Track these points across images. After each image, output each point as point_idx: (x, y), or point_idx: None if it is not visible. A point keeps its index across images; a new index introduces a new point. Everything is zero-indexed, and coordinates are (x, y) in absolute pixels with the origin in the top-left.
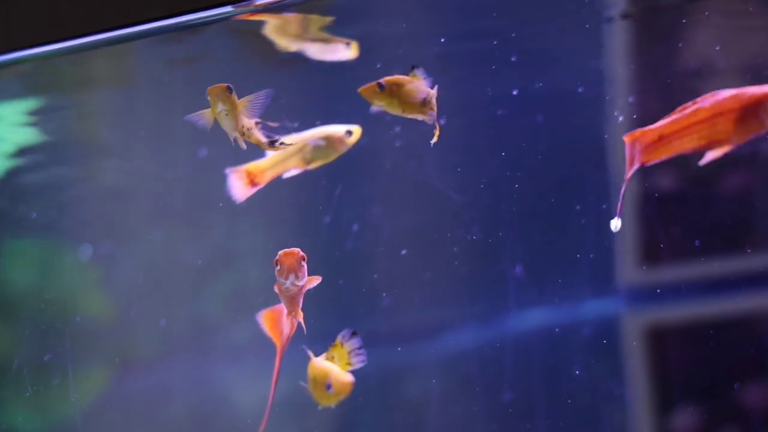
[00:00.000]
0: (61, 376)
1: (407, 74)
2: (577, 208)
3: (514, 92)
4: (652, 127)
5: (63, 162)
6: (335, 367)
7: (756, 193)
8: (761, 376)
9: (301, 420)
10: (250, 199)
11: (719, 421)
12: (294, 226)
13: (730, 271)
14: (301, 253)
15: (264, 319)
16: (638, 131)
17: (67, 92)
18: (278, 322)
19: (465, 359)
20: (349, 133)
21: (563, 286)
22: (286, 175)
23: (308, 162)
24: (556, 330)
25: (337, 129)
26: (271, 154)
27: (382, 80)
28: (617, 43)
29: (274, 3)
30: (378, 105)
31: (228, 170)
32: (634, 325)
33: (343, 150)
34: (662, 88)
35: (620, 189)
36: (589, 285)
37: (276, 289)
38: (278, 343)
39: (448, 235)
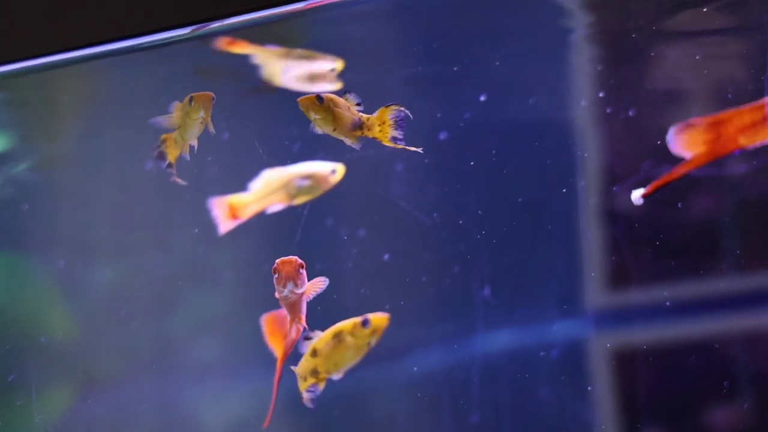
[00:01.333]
0: (24, 397)
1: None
2: (545, 230)
3: (483, 115)
4: (706, 118)
5: (26, 182)
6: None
7: (723, 216)
8: (727, 399)
9: None
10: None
11: None
12: (262, 246)
13: (696, 294)
14: (299, 260)
15: (266, 322)
16: (691, 121)
17: (33, 111)
18: (280, 327)
19: (432, 381)
20: (334, 171)
21: (530, 309)
22: (270, 209)
23: (292, 198)
24: (523, 352)
25: (322, 167)
26: (255, 187)
27: (322, 94)
28: (584, 67)
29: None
30: (313, 118)
31: (211, 200)
32: (600, 348)
33: (327, 188)
34: (630, 111)
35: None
36: (556, 307)
37: (277, 296)
38: (279, 348)
39: (417, 255)
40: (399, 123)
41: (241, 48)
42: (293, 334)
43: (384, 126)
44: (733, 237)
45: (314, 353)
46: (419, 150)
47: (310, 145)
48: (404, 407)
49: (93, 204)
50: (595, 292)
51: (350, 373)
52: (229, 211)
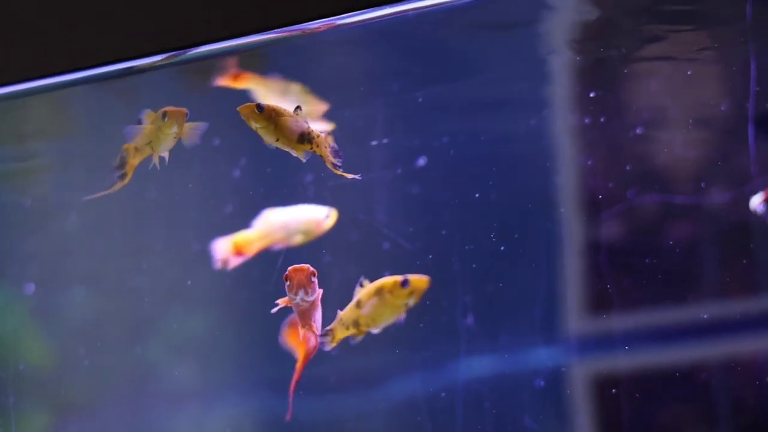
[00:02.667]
0: (3, 424)
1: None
2: (526, 257)
3: (464, 141)
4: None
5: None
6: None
7: (702, 244)
8: (707, 425)
9: None
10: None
11: None
12: (242, 273)
13: (676, 321)
14: (311, 268)
15: (287, 327)
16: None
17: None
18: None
19: (411, 408)
20: (327, 216)
21: (509, 336)
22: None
23: (290, 238)
24: (502, 379)
25: (317, 212)
26: (257, 227)
27: (263, 103)
28: (565, 93)
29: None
30: (254, 127)
31: (216, 241)
32: (580, 375)
33: (320, 232)
34: (611, 136)
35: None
36: (535, 334)
37: (289, 303)
38: (299, 352)
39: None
40: (337, 152)
41: (245, 82)
42: (312, 342)
43: (329, 149)
44: (712, 264)
45: (358, 304)
46: (357, 177)
47: (294, 167)
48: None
49: (68, 229)
50: (575, 319)
51: (332, 399)
52: (233, 249)
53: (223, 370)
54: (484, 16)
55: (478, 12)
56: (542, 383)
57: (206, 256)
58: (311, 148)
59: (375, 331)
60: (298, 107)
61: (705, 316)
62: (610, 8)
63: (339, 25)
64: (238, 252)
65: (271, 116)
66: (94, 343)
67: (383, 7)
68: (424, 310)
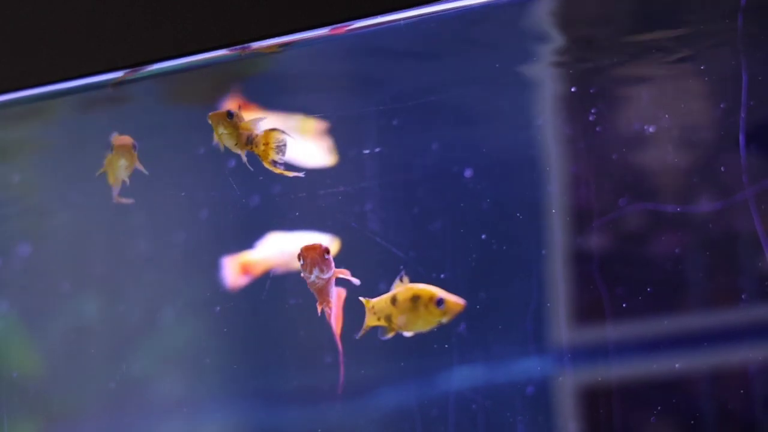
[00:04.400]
0: None
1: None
2: (515, 266)
3: (454, 151)
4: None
5: None
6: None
7: (690, 253)
8: None
9: None
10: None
11: None
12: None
13: (664, 332)
14: (324, 246)
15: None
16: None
17: None
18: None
19: (400, 416)
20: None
21: (499, 345)
22: (276, 270)
23: (292, 263)
24: (490, 389)
25: (320, 239)
26: (262, 249)
27: (233, 111)
28: (555, 104)
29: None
30: (221, 133)
31: (224, 259)
32: (569, 385)
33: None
34: (602, 145)
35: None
36: (525, 343)
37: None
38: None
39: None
40: (281, 148)
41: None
42: (337, 305)
43: (267, 147)
44: (703, 274)
45: (394, 301)
46: (300, 175)
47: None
48: None
49: (59, 239)
50: (562, 329)
51: (323, 407)
52: (240, 268)
53: (213, 380)
54: (473, 26)
55: (467, 22)
56: (531, 392)
57: (196, 265)
58: (251, 148)
59: (407, 334)
60: (239, 107)
61: (693, 326)
62: (600, 18)
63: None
64: (245, 271)
65: (237, 123)
66: (81, 353)
67: (374, 17)
68: None
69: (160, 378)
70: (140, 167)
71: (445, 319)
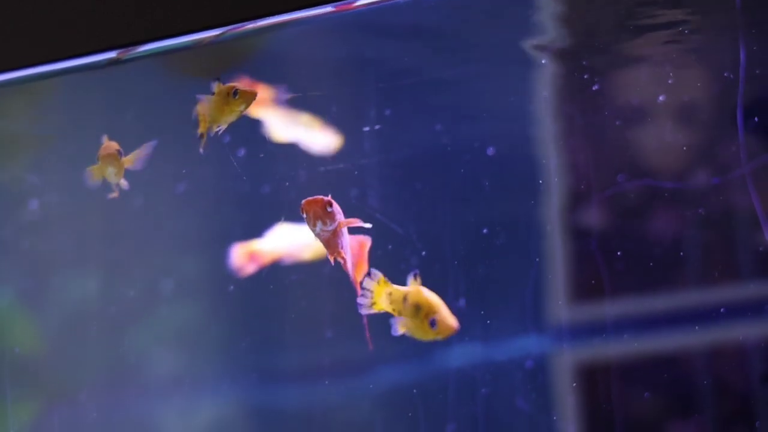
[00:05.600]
0: None
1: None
2: (513, 243)
3: (451, 129)
4: None
5: None
6: (443, 304)
7: (687, 230)
8: (693, 412)
9: None
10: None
11: None
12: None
13: (662, 309)
14: (326, 199)
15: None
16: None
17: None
18: (358, 254)
19: (399, 393)
20: None
21: (496, 322)
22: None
23: (301, 253)
24: (489, 366)
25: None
26: (271, 239)
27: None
28: (551, 81)
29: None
30: (229, 114)
31: (233, 247)
32: (566, 362)
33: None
34: (599, 122)
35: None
36: (521, 321)
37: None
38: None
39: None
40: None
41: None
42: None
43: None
44: (698, 251)
45: (405, 299)
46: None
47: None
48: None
49: (59, 217)
50: (561, 307)
51: (325, 384)
52: (249, 257)
53: (213, 359)
54: (473, 3)
55: (465, 2)
56: (529, 369)
57: (194, 243)
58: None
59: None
60: (218, 79)
61: (691, 303)
62: None
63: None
64: (253, 260)
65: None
66: (82, 331)
67: None
68: None
69: (160, 356)
70: (131, 165)
71: (438, 337)
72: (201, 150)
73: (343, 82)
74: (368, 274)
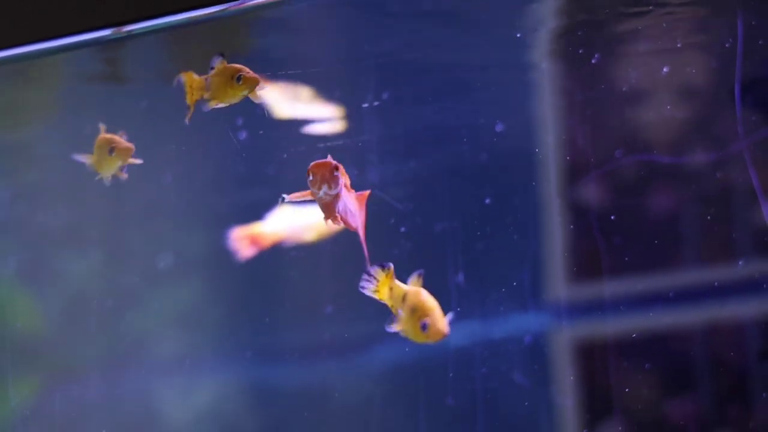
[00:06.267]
0: None
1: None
2: (510, 222)
3: (451, 107)
4: None
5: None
6: (438, 308)
7: (685, 208)
8: (690, 389)
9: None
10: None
11: None
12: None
13: (659, 286)
14: (333, 163)
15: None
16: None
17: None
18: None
19: (398, 370)
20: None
21: (493, 300)
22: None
23: (302, 236)
24: (486, 343)
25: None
26: (271, 221)
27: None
28: (547, 59)
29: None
30: (231, 96)
31: (233, 232)
32: (563, 340)
33: (331, 231)
34: (598, 98)
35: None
36: (519, 299)
37: (305, 197)
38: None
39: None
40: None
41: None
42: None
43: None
44: (696, 229)
45: (404, 298)
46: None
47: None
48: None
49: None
50: (558, 285)
51: (324, 361)
52: (250, 240)
53: (214, 338)
54: None
55: None
56: (527, 346)
57: (197, 223)
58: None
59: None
60: (222, 54)
61: (688, 280)
62: None
63: None
64: (254, 243)
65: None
66: (83, 309)
67: None
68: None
69: (161, 335)
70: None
71: (429, 341)
72: (186, 121)
73: (341, 59)
74: (382, 265)
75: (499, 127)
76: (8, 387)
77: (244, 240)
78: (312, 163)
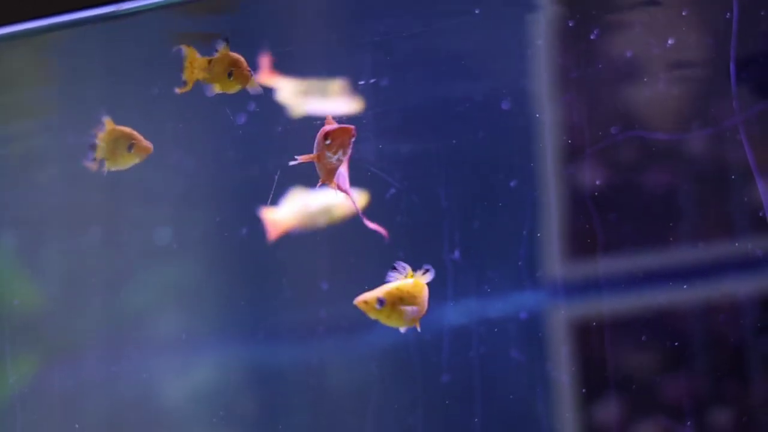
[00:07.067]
0: None
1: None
2: (508, 199)
3: (447, 84)
4: None
5: None
6: (420, 296)
7: (680, 187)
8: (687, 366)
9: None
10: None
11: (640, 410)
12: (232, 215)
13: (656, 264)
14: (354, 130)
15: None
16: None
17: None
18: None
19: (395, 347)
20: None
21: (492, 276)
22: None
23: (314, 221)
24: (484, 321)
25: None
26: (285, 207)
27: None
28: (543, 36)
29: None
30: (223, 87)
31: (260, 213)
32: (560, 318)
33: (343, 216)
34: (594, 75)
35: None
36: (517, 277)
37: (312, 159)
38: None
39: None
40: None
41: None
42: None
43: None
44: (691, 206)
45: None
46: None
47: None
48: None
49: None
50: (556, 263)
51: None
52: (275, 224)
53: (211, 316)
54: None
55: None
56: (523, 323)
57: (196, 199)
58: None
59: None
60: (227, 39)
61: (684, 258)
62: None
63: None
64: (280, 227)
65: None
66: (81, 286)
67: None
68: (411, 249)
69: (159, 312)
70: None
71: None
72: (177, 90)
73: (336, 36)
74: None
75: (496, 105)
76: (6, 364)
77: (271, 222)
78: (331, 128)
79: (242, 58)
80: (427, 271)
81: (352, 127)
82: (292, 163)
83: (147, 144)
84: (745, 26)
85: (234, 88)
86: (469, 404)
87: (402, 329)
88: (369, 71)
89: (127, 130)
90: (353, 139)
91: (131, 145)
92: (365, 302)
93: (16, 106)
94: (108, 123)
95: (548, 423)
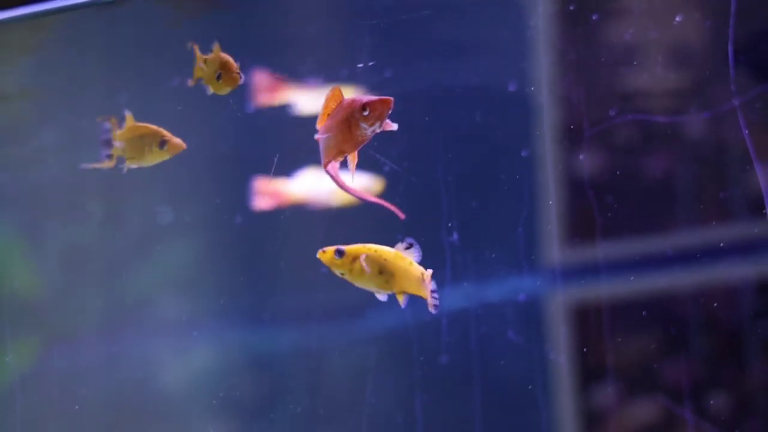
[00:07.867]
0: None
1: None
2: (507, 184)
3: (447, 69)
4: None
5: None
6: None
7: (679, 174)
8: (684, 349)
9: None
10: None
11: (638, 393)
12: (230, 200)
13: (654, 249)
14: (392, 102)
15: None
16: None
17: None
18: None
19: (393, 331)
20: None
21: (489, 260)
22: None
23: (322, 201)
24: (481, 305)
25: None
26: (299, 180)
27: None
28: (543, 19)
29: None
30: (216, 88)
31: (255, 181)
32: (559, 302)
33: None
34: (593, 60)
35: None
36: (515, 262)
37: (325, 131)
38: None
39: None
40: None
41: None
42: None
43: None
44: (691, 191)
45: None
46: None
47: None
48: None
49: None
50: (554, 248)
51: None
52: (269, 194)
53: (210, 300)
54: None
55: None
56: (521, 305)
57: (193, 186)
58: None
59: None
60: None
61: (682, 242)
62: None
63: None
64: (274, 197)
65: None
66: (81, 271)
67: None
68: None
69: (159, 295)
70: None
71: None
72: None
73: (335, 20)
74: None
75: (496, 88)
76: (7, 347)
77: (266, 192)
78: (370, 99)
79: (232, 61)
80: (411, 245)
81: (391, 98)
82: (316, 137)
83: (178, 141)
84: (744, 7)
85: (224, 90)
86: (467, 387)
87: (381, 296)
88: (368, 54)
89: (153, 127)
90: (390, 112)
91: (163, 142)
92: (323, 252)
93: (17, 88)
94: (129, 119)
95: (546, 405)
